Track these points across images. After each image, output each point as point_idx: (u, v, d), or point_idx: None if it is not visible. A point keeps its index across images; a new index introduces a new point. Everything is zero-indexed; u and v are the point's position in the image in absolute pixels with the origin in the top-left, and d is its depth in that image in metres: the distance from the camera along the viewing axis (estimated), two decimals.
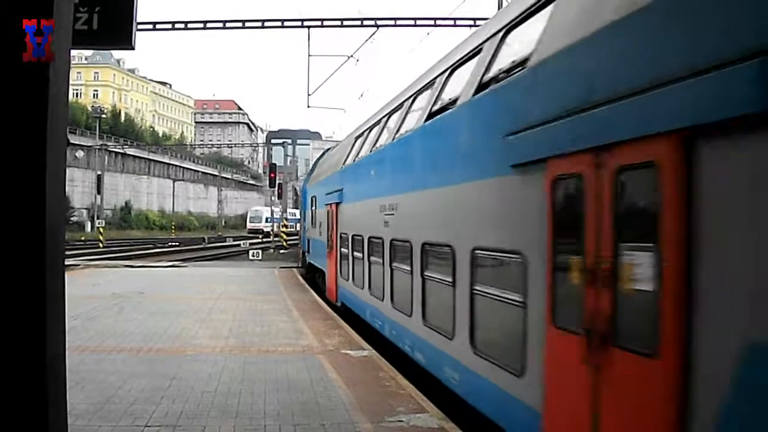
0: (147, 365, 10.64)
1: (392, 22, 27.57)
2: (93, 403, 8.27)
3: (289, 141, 78.35)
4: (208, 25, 28.32)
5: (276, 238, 56.04)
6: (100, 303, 17.75)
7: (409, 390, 9.44)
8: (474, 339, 7.59)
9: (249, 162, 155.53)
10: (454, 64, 9.55)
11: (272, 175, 56.11)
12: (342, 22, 27.85)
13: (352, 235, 15.74)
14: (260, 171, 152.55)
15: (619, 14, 4.83)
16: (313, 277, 25.97)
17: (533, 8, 6.83)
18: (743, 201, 3.62)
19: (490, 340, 7.37)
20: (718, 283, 3.79)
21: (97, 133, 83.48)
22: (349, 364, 11.12)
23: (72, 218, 78.22)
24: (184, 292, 21.49)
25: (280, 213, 61.31)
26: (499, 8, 22.10)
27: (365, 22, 27.34)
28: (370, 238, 13.68)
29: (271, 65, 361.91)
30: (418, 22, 27.86)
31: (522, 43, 7.02)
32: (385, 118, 13.88)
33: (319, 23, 27.74)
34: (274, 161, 66.91)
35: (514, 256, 6.38)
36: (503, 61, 7.43)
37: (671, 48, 4.22)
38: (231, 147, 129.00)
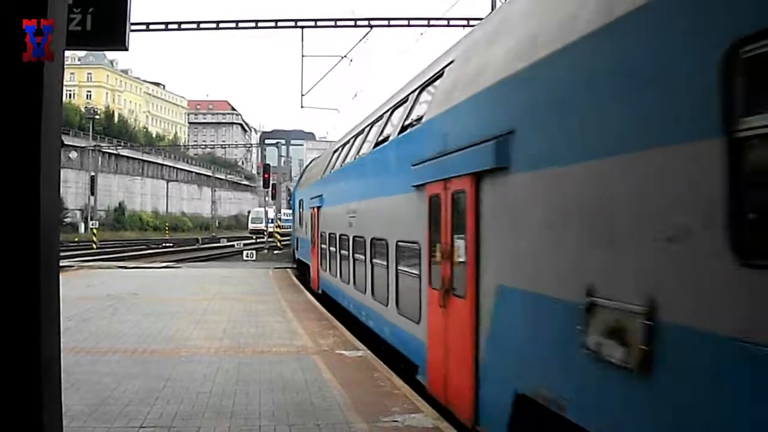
0: (141, 366, 10.63)
1: (386, 23, 27.57)
2: (88, 404, 8.25)
3: (283, 141, 78.38)
4: (202, 25, 28.27)
5: (270, 239, 56.02)
6: (95, 304, 17.73)
7: (403, 390, 9.46)
8: (398, 304, 10.92)
9: (243, 163, 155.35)
10: (392, 106, 12.93)
11: (266, 175, 56.05)
12: (336, 23, 27.82)
13: (329, 233, 19.04)
14: (254, 172, 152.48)
15: (456, 101, 8.21)
16: (303, 272, 27.49)
17: (433, 77, 10.14)
18: (498, 208, 6.74)
19: (405, 303, 10.53)
20: (486, 256, 6.97)
21: (91, 134, 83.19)
22: (343, 365, 11.13)
23: (65, 219, 78.07)
24: (179, 293, 21.47)
25: (274, 214, 61.26)
26: (492, 9, 22.12)
27: (359, 23, 27.32)
28: (340, 235, 16.88)
29: (265, 66, 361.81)
30: (412, 23, 27.85)
31: (425, 101, 10.33)
32: (352, 140, 17.34)
33: (312, 23, 27.71)
34: (267, 162, 66.86)
35: (414, 244, 9.72)
36: (415, 113, 10.74)
37: (468, 130, 7.58)
38: (225, 147, 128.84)
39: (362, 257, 13.82)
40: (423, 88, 10.66)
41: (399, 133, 11.26)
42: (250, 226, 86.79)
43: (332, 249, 18.37)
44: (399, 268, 10.76)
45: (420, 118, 10.02)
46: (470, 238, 7.23)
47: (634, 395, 4.22)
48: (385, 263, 11.66)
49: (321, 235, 20.83)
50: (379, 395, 9.15)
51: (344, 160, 17.63)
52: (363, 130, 15.73)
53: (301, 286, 24.19)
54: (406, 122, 10.99)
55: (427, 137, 9.24)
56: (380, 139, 13.04)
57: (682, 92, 3.90)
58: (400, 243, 10.67)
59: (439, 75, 9.76)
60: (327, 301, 19.20)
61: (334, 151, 20.88)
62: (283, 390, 9.29)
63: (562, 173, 5.34)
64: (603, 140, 4.75)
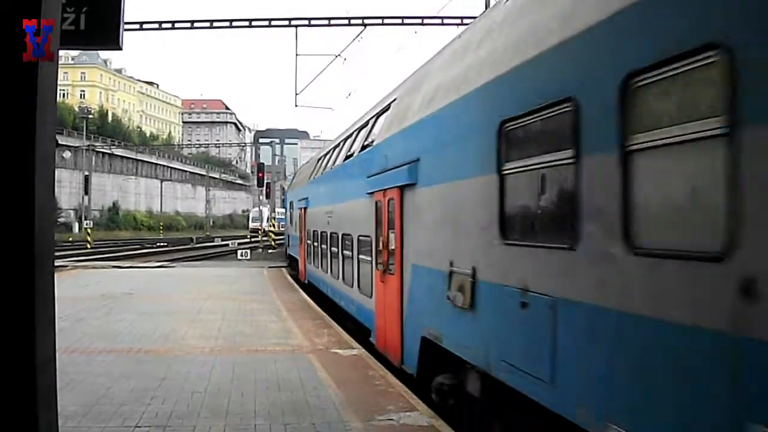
0: (136, 366, 10.63)
1: (379, 21, 27.59)
2: (83, 404, 8.24)
3: (277, 140, 78.31)
4: (196, 24, 28.26)
5: (265, 238, 55.97)
6: (89, 304, 17.71)
7: (398, 388, 9.47)
8: (359, 285, 13.72)
9: (237, 162, 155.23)
10: (358, 128, 15.74)
11: (260, 174, 56.00)
12: (329, 21, 27.83)
13: (312, 231, 22.14)
14: (248, 171, 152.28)
15: (392, 133, 11.21)
16: (295, 266, 29.14)
17: (385, 108, 12.75)
18: (411, 211, 9.57)
19: (363, 283, 13.29)
20: (406, 244, 9.74)
21: (84, 133, 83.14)
22: (338, 363, 11.14)
23: (60, 219, 77.81)
24: (173, 293, 21.46)
25: (268, 213, 61.26)
26: (486, 7, 22.17)
27: (353, 21, 27.34)
28: (320, 232, 19.81)
29: (259, 65, 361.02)
30: (406, 21, 27.87)
31: (378, 128, 12.97)
32: (330, 152, 20.50)
33: (306, 22, 27.71)
34: (261, 161, 66.79)
35: (368, 238, 12.52)
36: (371, 136, 13.48)
37: (395, 156, 10.50)
38: (219, 147, 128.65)
39: (336, 250, 16.82)
40: (378, 116, 13.41)
41: (360, 151, 14.29)
42: (250, 225, 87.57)
43: (315, 244, 21.41)
44: (359, 256, 13.67)
45: (372, 141, 13.04)
46: (397, 232, 10.25)
47: (467, 323, 7.23)
48: (351, 254, 14.55)
49: (307, 232, 23.94)
50: (374, 394, 9.16)
51: (324, 169, 20.83)
52: (338, 144, 19.01)
53: (296, 285, 24.19)
54: (365, 143, 13.90)
55: (376, 157, 12.30)
56: (348, 154, 16.03)
57: (484, 147, 6.71)
58: (360, 237, 13.58)
59: (387, 108, 12.54)
60: (313, 292, 21.58)
61: (318, 160, 24.46)
62: (279, 389, 9.29)
63: (438, 189, 8.49)
64: (454, 169, 7.77)
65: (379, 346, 11.80)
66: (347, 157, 16.02)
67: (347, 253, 15.03)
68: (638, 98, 4.32)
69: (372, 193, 12.06)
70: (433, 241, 8.43)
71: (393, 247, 10.49)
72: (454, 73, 8.37)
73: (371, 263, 12.24)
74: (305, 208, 24.41)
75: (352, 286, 14.51)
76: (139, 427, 7.47)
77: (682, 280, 3.86)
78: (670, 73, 4.02)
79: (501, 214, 6.28)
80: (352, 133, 16.49)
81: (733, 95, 3.53)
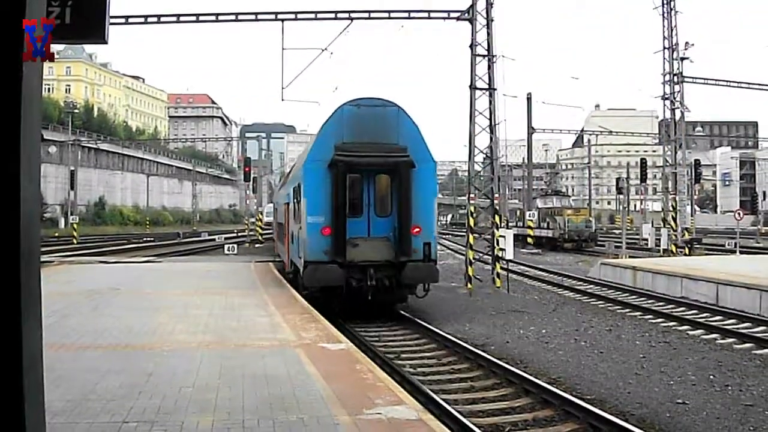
0: (124, 361, 10.59)
1: (366, 15, 27.56)
2: (70, 400, 8.20)
3: (264, 135, 78.19)
4: (181, 18, 28.15)
5: (251, 232, 55.93)
6: (76, 300, 17.63)
7: (387, 382, 9.48)
8: (283, 245, 26.46)
9: (223, 156, 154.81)
10: (291, 167, 31.55)
11: (246, 169, 56.03)
12: (316, 15, 27.75)
13: (278, 222, 34.24)
14: (234, 165, 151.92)
15: (288, 180, 28.19)
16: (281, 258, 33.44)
17: (297, 163, 26.76)
18: (290, 212, 24.16)
19: (284, 244, 25.98)
20: (290, 226, 23.83)
21: (70, 128, 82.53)
22: (326, 358, 11.13)
23: (45, 215, 77.37)
24: (160, 288, 21.43)
25: (254, 207, 61.17)
26: None
27: (339, 15, 27.28)
28: (281, 222, 30.59)
29: (245, 59, 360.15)
30: (392, 15, 27.87)
31: (291, 176, 27.29)
32: (290, 172, 32.71)
33: (293, 16, 27.59)
34: (248, 155, 66.70)
35: (285, 224, 26.04)
36: (290, 173, 28.75)
37: (287, 190, 26.11)
38: (205, 141, 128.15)
39: (284, 232, 26.60)
40: (295, 164, 24.16)
41: (288, 177, 28.30)
42: (264, 219, 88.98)
43: (278, 230, 33.17)
44: (286, 233, 25.36)
45: (289, 174, 27.32)
46: (288, 221, 23.55)
47: (293, 250, 21.25)
48: (285, 233, 25.75)
49: (278, 223, 33.62)
50: (362, 388, 9.16)
51: (285, 181, 32.53)
52: (292, 167, 32.55)
53: (284, 280, 24.19)
54: (289, 175, 27.79)
55: (288, 186, 25.69)
56: (289, 178, 28.85)
57: (291, 194, 22.56)
58: (289, 225, 23.84)
59: (296, 164, 24.70)
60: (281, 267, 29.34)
61: (287, 174, 37.48)
62: (267, 384, 9.28)
63: (291, 204, 22.95)
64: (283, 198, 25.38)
65: (285, 268, 25.68)
66: (287, 179, 30.06)
67: (286, 233, 25.61)
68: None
69: (286, 203, 25.05)
70: (292, 225, 21.63)
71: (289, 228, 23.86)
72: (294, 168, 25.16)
73: (285, 235, 25.54)
74: (280, 205, 33.68)
75: (284, 246, 26.62)
76: (127, 422, 7.44)
77: None
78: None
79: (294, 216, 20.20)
80: (293, 166, 30.63)
81: None
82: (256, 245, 48.34)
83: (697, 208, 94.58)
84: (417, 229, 18.48)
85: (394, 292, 18.59)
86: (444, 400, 10.59)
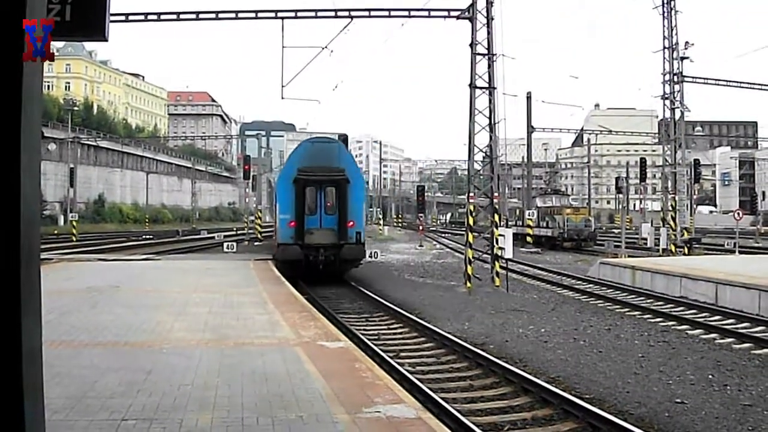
0: (123, 359, 10.59)
1: (366, 14, 27.52)
2: (69, 397, 8.21)
3: (263, 133, 78.17)
4: (181, 16, 28.07)
5: (251, 230, 55.93)
6: (75, 297, 17.63)
7: (385, 381, 9.49)
8: (279, 231, 28.93)
9: (223, 154, 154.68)
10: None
11: (246, 167, 56.00)
12: (316, 13, 27.70)
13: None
14: (234, 163, 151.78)
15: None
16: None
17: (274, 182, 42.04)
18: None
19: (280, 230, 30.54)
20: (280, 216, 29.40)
21: (70, 125, 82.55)
22: (325, 356, 11.13)
23: (45, 212, 77.31)
24: (159, 286, 21.41)
25: (254, 205, 61.19)
26: None
27: (339, 14, 27.25)
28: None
29: (245, 57, 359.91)
30: (393, 13, 27.81)
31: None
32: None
33: (293, 14, 27.53)
34: (248, 153, 66.71)
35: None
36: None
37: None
38: (205, 139, 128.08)
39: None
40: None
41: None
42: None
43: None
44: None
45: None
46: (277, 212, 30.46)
47: (280, 235, 27.79)
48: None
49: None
50: (361, 386, 9.17)
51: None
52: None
53: (282, 278, 24.16)
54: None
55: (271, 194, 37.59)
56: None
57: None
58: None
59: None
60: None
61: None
62: (266, 381, 9.28)
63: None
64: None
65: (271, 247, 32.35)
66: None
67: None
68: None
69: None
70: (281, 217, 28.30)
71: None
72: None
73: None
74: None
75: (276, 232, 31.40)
76: (126, 420, 7.44)
77: None
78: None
79: (272, 214, 25.85)
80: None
81: None
82: (256, 243, 48.30)
83: (703, 209, 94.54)
84: (351, 223, 27.34)
85: (337, 264, 27.32)
86: (443, 398, 10.60)
